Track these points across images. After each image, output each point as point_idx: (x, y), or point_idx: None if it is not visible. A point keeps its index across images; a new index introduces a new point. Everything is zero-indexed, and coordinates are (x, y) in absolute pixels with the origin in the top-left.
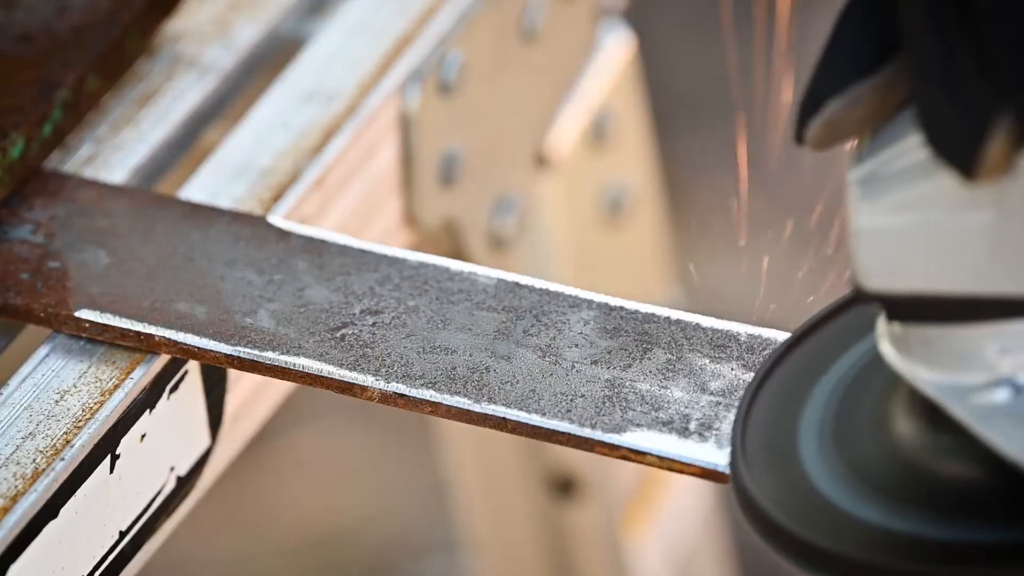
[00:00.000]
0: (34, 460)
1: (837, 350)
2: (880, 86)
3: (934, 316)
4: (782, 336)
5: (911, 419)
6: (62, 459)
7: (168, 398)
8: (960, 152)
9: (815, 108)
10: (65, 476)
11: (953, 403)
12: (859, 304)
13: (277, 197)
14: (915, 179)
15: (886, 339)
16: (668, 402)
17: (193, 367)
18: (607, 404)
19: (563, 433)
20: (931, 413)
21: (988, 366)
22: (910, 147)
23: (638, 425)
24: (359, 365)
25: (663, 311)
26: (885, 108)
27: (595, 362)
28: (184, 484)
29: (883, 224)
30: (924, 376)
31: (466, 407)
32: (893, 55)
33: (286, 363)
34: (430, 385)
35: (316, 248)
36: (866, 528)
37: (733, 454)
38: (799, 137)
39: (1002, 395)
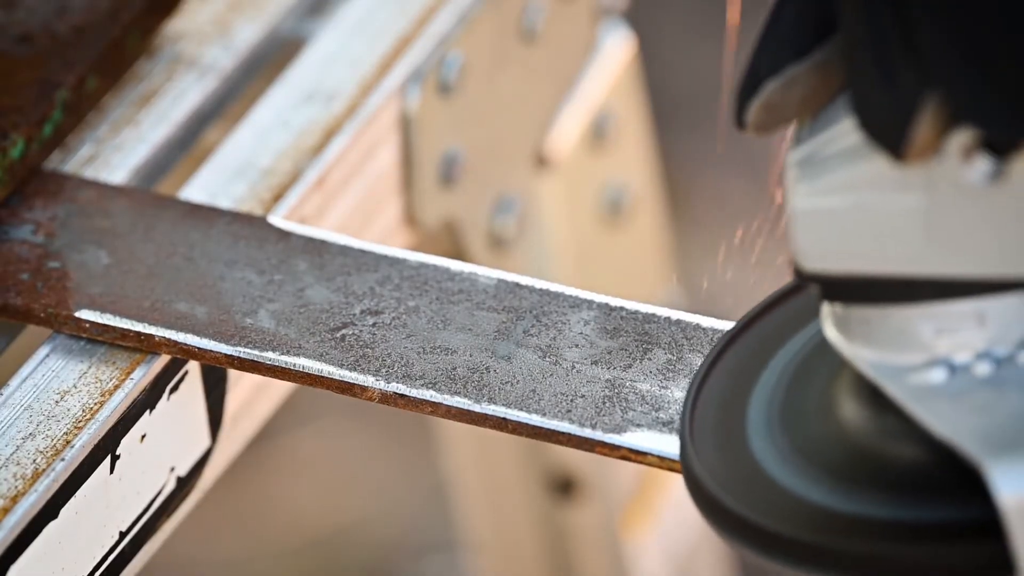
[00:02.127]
0: (34, 460)
1: (786, 334)
2: (816, 67)
3: (870, 297)
4: None
5: (856, 400)
6: (62, 459)
7: (168, 398)
8: (889, 134)
9: (753, 90)
10: (65, 476)
11: (890, 383)
12: (803, 289)
13: (277, 197)
14: (850, 161)
15: (829, 320)
16: (668, 402)
17: (193, 367)
18: (607, 404)
19: (563, 433)
20: (875, 394)
21: (924, 346)
22: (845, 130)
23: (638, 425)
24: (359, 365)
25: (663, 311)
26: (823, 91)
27: (595, 362)
28: (184, 484)
29: (819, 205)
30: (863, 355)
31: (466, 407)
32: (830, 38)
33: (286, 363)
34: (430, 385)
35: (316, 248)
36: (813, 509)
37: (682, 438)
38: (739, 121)
39: (938, 375)
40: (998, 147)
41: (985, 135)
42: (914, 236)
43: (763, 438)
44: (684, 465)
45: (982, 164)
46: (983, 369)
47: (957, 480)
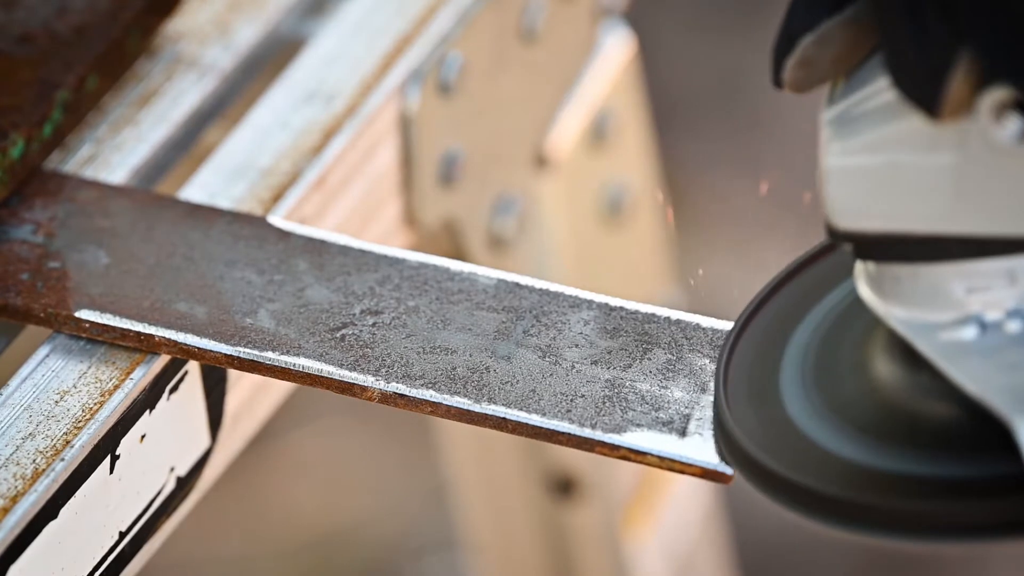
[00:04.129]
0: (34, 461)
1: (820, 292)
2: (849, 23)
3: (902, 255)
4: None
5: (890, 358)
6: (62, 459)
7: (168, 398)
8: (923, 92)
9: (789, 47)
10: (65, 476)
11: (922, 340)
12: (836, 248)
13: (277, 197)
14: (883, 120)
15: (862, 278)
16: (668, 402)
17: (193, 367)
18: (607, 404)
19: (563, 433)
20: (908, 352)
21: (956, 304)
22: (879, 89)
23: (638, 425)
24: (359, 365)
25: (663, 311)
26: (856, 49)
27: (595, 362)
28: (184, 484)
29: (852, 164)
30: (896, 314)
31: (466, 407)
32: None
33: (286, 363)
34: (430, 385)
35: (316, 248)
36: (847, 465)
37: (716, 396)
38: (777, 80)
39: (969, 332)
40: None
41: (1017, 94)
42: (946, 195)
43: (797, 396)
44: (718, 423)
45: (1014, 123)
46: (1014, 327)
47: (989, 437)
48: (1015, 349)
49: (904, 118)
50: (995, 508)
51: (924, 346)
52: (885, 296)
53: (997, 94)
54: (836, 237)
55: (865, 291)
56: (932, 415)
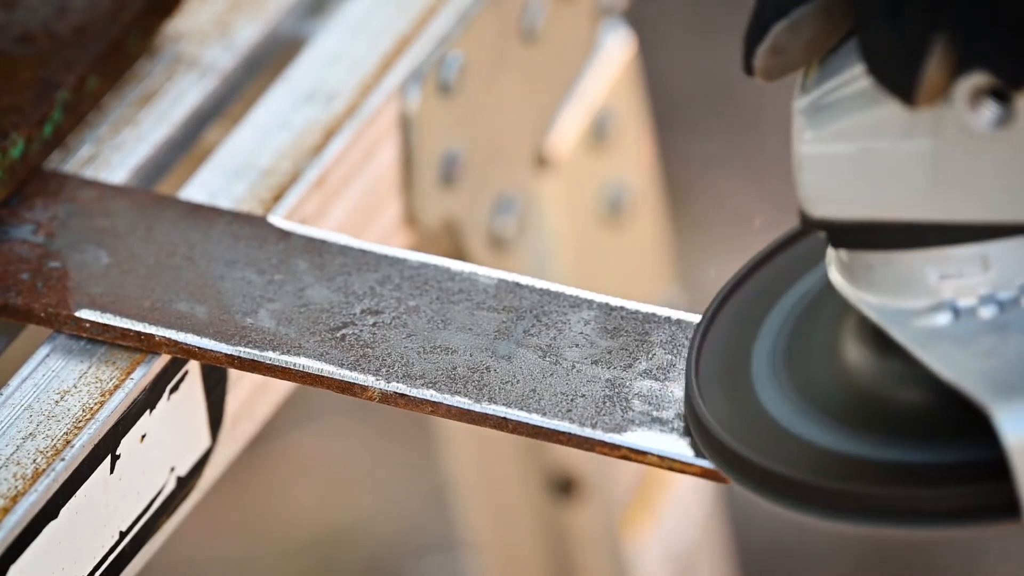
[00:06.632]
0: (34, 460)
1: (792, 279)
2: (822, 9)
3: (876, 243)
4: None
5: (861, 345)
6: (62, 459)
7: (168, 398)
8: (899, 78)
9: (761, 34)
10: (65, 476)
11: (896, 327)
12: (809, 234)
13: (277, 197)
14: (858, 107)
15: (834, 265)
16: (669, 402)
17: (193, 367)
18: (608, 404)
19: (564, 433)
20: (880, 338)
21: (929, 291)
22: (854, 76)
23: (639, 425)
24: (359, 365)
25: (663, 311)
26: (828, 35)
27: (595, 362)
28: (184, 484)
29: (826, 151)
30: (868, 300)
31: (466, 407)
32: None
33: (286, 363)
34: (430, 385)
35: (316, 248)
36: (818, 452)
37: (688, 382)
38: (748, 67)
39: (943, 319)
40: (1005, 92)
41: (992, 80)
42: (920, 181)
43: (768, 382)
44: (689, 408)
45: (989, 109)
46: (987, 313)
47: (962, 422)
48: (989, 335)
49: (879, 105)
50: (970, 493)
51: (897, 333)
52: (857, 283)
53: (973, 80)
54: (810, 225)
55: (837, 278)
56: (903, 401)
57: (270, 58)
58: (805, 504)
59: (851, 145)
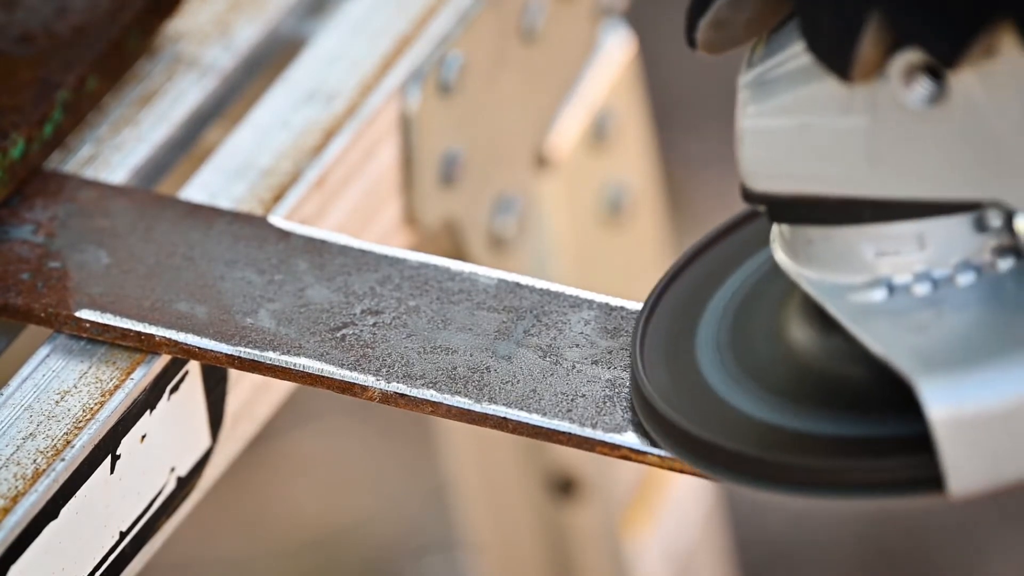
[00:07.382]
0: (34, 461)
1: (739, 259)
2: None
3: (814, 218)
4: None
5: (804, 322)
6: (62, 459)
7: (168, 398)
8: (835, 54)
9: (703, 8)
10: (66, 476)
11: (832, 302)
12: (757, 216)
13: (277, 197)
14: (798, 83)
15: (776, 242)
16: None
17: (193, 367)
18: (608, 404)
19: (564, 433)
20: (821, 316)
21: (866, 267)
22: (795, 53)
23: (639, 425)
24: (360, 365)
25: None
26: (771, 13)
27: (596, 362)
28: (184, 484)
29: (766, 126)
30: (808, 276)
31: (467, 407)
32: None
33: (287, 363)
34: (431, 385)
35: (316, 248)
36: (759, 426)
37: (632, 358)
38: (690, 40)
39: (878, 295)
40: (938, 69)
41: (927, 56)
42: (857, 157)
43: (712, 359)
44: (633, 384)
45: (922, 86)
46: (922, 289)
47: (896, 398)
48: (922, 311)
49: (818, 81)
50: (899, 466)
51: (833, 308)
52: (798, 259)
53: (907, 57)
54: (751, 199)
55: (779, 254)
56: (843, 377)
57: (270, 58)
58: (745, 476)
59: (791, 120)
